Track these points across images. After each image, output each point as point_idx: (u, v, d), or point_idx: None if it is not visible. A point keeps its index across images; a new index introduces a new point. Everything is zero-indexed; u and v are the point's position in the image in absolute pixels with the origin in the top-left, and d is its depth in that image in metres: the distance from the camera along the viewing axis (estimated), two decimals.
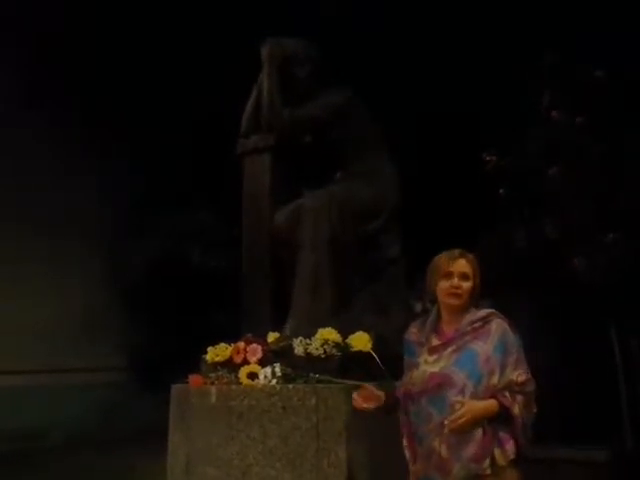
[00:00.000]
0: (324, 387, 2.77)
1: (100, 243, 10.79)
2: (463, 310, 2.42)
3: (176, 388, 3.26)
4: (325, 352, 2.90)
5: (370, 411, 2.47)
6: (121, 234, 10.85)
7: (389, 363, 2.94)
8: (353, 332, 3.04)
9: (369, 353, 2.95)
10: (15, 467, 7.38)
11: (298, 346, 2.95)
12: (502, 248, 6.63)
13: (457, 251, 2.47)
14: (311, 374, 2.86)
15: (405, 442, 2.44)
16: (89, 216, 10.63)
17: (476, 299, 2.45)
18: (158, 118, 10.22)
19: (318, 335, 2.96)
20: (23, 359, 9.70)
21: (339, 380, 2.78)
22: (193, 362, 3.37)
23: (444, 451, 2.25)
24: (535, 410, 2.33)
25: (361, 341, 2.99)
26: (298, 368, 2.91)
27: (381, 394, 2.47)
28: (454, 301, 2.40)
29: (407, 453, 2.43)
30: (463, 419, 2.21)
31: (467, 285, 2.40)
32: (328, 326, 3.01)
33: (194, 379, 3.18)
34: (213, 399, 3.00)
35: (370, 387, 2.50)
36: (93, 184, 10.55)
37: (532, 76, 6.40)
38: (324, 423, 2.71)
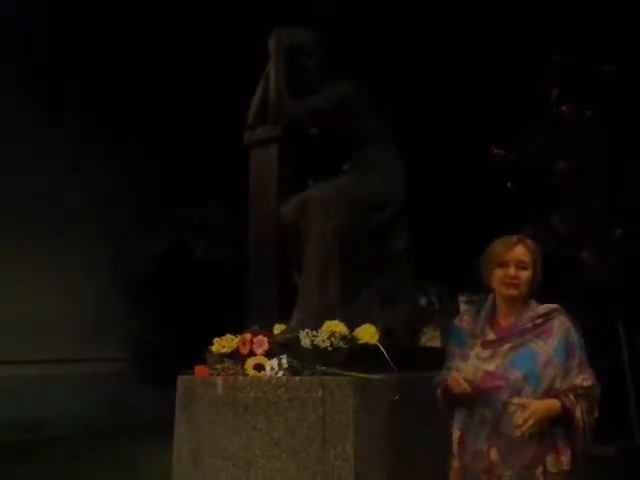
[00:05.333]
0: (331, 379, 2.74)
1: (106, 238, 10.85)
2: (522, 301, 2.26)
3: (182, 379, 3.25)
4: (332, 344, 2.87)
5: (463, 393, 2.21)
6: (127, 229, 10.89)
7: (396, 356, 2.93)
8: (360, 324, 3.01)
9: (376, 346, 2.92)
10: (21, 455, 7.43)
11: (304, 338, 2.92)
12: None
13: (514, 237, 2.29)
14: (318, 366, 2.83)
15: (456, 436, 2.29)
16: (95, 212, 10.70)
17: (536, 289, 2.26)
18: (162, 113, 10.20)
19: (325, 327, 2.93)
20: (29, 350, 9.76)
21: (346, 372, 2.75)
22: (198, 355, 3.36)
23: (494, 455, 2.14)
24: (597, 414, 2.18)
25: (368, 333, 2.96)
26: (305, 360, 2.88)
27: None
28: (510, 291, 2.23)
29: (455, 448, 2.28)
30: (530, 422, 2.04)
31: (525, 275, 2.22)
32: (335, 318, 2.98)
33: (200, 370, 3.17)
34: (219, 390, 2.99)
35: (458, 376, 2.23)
36: (99, 180, 10.60)
37: (540, 70, 6.35)
38: (331, 415, 2.69)
